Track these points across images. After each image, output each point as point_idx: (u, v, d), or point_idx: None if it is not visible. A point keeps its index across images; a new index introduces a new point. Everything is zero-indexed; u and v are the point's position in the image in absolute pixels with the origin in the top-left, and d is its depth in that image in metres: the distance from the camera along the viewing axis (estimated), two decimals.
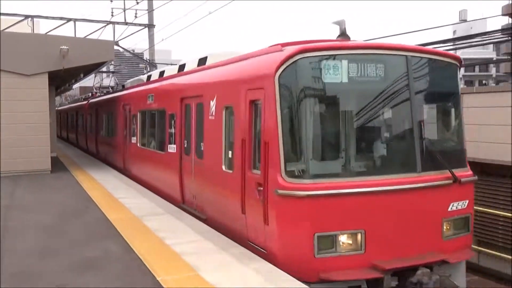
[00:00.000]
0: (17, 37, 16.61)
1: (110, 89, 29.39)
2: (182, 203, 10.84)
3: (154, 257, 6.96)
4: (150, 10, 27.52)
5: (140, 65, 36.95)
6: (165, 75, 14.37)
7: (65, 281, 6.07)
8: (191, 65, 12.10)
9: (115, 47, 23.76)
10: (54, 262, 6.86)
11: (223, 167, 8.57)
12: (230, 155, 8.39)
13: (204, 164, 9.56)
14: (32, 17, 23.79)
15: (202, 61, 11.35)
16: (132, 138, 16.24)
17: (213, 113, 9.08)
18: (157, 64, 29.51)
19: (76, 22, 23.93)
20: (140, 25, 27.00)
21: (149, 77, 16.75)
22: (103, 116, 22.20)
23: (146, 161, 14.67)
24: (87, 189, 13.27)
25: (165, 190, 12.28)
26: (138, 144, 15.52)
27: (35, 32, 25.29)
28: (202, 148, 9.71)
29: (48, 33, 22.52)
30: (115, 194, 12.41)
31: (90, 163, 20.42)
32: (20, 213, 10.25)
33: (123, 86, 21.98)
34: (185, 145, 10.87)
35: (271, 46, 7.98)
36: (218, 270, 6.33)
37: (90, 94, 32.53)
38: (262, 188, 7.03)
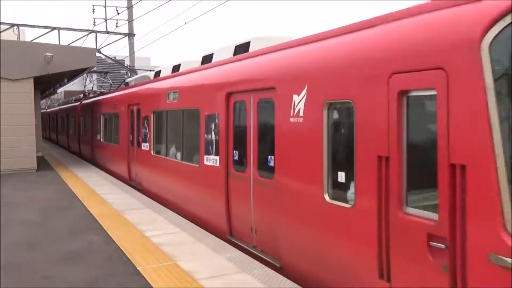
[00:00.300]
0: (4, 44, 16.20)
1: (104, 90, 26.77)
2: (230, 235, 7.72)
3: (134, 248, 6.87)
4: (130, 20, 27.16)
5: (121, 71, 36.42)
6: (181, 69, 11.35)
7: (50, 271, 5.94)
8: (223, 54, 9.10)
9: (97, 54, 23.39)
10: (40, 254, 6.70)
11: (326, 197, 5.22)
12: (342, 179, 5.07)
13: (279, 188, 6.12)
14: (18, 25, 23.21)
15: (242, 47, 8.48)
16: (143, 144, 12.59)
17: (300, 113, 5.71)
18: (137, 70, 29.15)
19: (60, 31, 23.47)
20: (120, 34, 26.64)
21: (157, 73, 13.47)
22: (100, 119, 18.70)
23: (166, 174, 10.88)
24: (71, 186, 13.03)
25: (197, 212, 9.02)
26: (152, 152, 11.95)
27: (20, 39, 24.68)
28: (273, 164, 6.39)
29: (33, 41, 22.02)
30: (97, 191, 12.21)
31: (74, 162, 20.04)
32: (7, 209, 9.96)
33: (126, 84, 18.41)
34: (236, 158, 7.52)
35: None
36: (194, 259, 6.29)
37: (82, 95, 29.68)
38: (446, 246, 3.71)
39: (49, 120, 41.08)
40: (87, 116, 21.66)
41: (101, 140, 18.49)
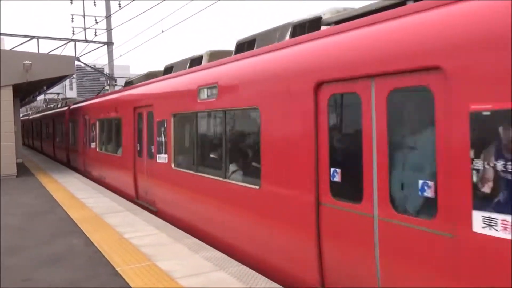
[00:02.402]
0: None
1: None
2: None
3: (113, 250, 6.77)
4: (109, 29, 26.85)
5: (101, 79, 35.97)
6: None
7: (30, 275, 5.80)
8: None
9: (77, 63, 23.03)
10: (20, 258, 6.54)
11: None
12: None
13: None
14: None
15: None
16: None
17: None
18: (117, 78, 28.81)
19: (39, 40, 23.05)
20: (99, 42, 26.31)
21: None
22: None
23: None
24: (51, 191, 12.76)
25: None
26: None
27: None
28: None
29: (12, 49, 21.57)
30: (77, 195, 12.00)
31: (54, 168, 19.64)
32: None
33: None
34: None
35: None
36: (172, 259, 6.24)
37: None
38: None
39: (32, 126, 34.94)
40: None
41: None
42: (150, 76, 12.20)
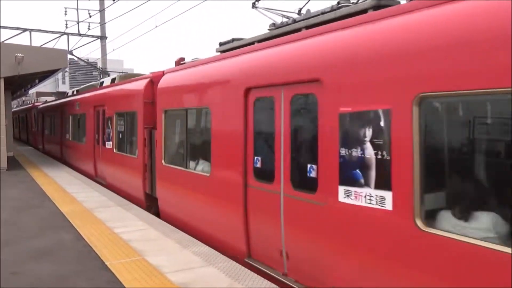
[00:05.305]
0: None
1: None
2: None
3: (103, 245, 6.79)
4: (102, 23, 26.72)
5: (94, 73, 35.80)
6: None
7: (19, 268, 5.81)
8: None
9: (70, 56, 22.89)
10: (9, 252, 6.54)
11: None
12: None
13: None
14: None
15: None
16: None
17: None
18: (110, 72, 28.68)
19: (32, 32, 22.88)
20: (93, 36, 26.17)
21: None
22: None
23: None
24: (42, 185, 12.72)
25: None
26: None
27: None
28: None
29: (4, 42, 21.40)
30: (68, 189, 11.98)
31: (45, 162, 19.55)
32: None
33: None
34: None
35: None
36: (161, 254, 6.27)
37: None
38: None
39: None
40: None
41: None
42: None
